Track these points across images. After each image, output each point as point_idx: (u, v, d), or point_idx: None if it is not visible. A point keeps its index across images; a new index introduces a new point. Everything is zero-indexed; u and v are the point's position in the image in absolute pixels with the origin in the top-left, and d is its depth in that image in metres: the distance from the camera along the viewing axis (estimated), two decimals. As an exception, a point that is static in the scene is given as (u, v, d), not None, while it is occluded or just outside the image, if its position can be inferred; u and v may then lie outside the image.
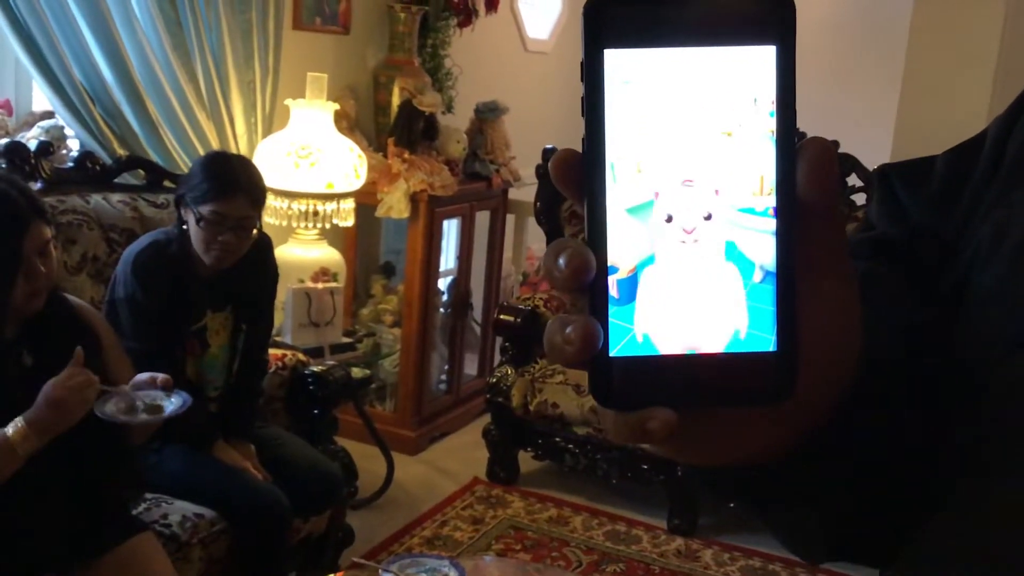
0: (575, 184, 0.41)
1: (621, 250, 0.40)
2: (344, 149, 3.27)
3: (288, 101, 3.28)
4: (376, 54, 4.00)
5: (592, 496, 3.54)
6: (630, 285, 0.40)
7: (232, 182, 2.27)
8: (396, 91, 3.83)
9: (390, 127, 3.80)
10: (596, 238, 0.40)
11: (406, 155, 3.66)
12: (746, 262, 0.40)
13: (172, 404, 1.87)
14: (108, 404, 1.81)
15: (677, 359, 0.41)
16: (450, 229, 4.05)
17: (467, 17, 4.15)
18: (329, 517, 2.59)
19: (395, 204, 3.62)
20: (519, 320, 3.58)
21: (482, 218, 4.21)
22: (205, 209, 2.24)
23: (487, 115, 4.06)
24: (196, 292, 2.33)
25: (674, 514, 3.35)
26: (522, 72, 5.15)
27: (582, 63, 0.40)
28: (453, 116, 4.13)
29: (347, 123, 3.64)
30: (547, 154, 3.95)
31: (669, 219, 0.40)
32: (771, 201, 0.40)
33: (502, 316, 3.63)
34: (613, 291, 0.40)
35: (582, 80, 0.40)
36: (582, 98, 0.40)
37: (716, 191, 0.40)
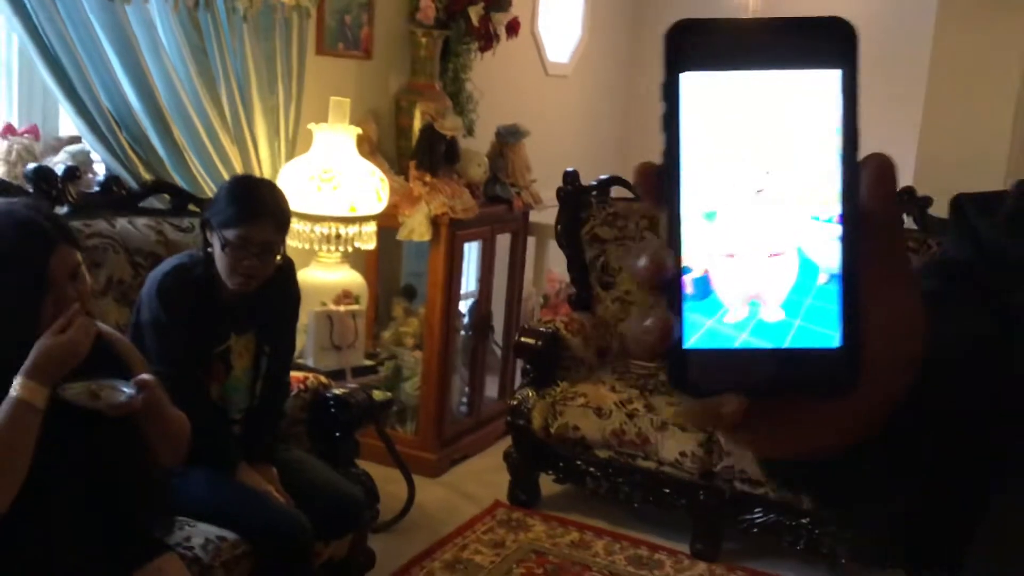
0: (655, 192, 0.46)
1: (696, 251, 0.45)
2: (366, 172, 3.29)
3: (311, 125, 3.31)
4: (398, 78, 4.03)
5: (614, 520, 3.52)
6: (704, 283, 0.45)
7: (257, 206, 2.29)
8: (417, 115, 3.85)
9: (412, 151, 3.82)
10: (673, 240, 0.45)
11: (427, 178, 3.68)
12: (812, 265, 0.44)
13: (124, 393, 1.83)
14: (69, 388, 1.79)
15: (747, 351, 0.45)
16: (471, 252, 4.06)
17: (488, 41, 4.17)
18: (351, 541, 2.59)
19: (416, 227, 3.63)
20: (540, 343, 3.57)
21: (503, 241, 4.22)
22: (230, 233, 2.26)
23: (508, 138, 4.07)
24: (220, 315, 2.34)
25: (697, 539, 3.33)
26: (542, 95, 5.18)
27: (662, 83, 0.45)
28: (474, 139, 4.15)
29: (369, 147, 3.66)
30: (568, 177, 3.96)
31: (740, 224, 0.45)
32: (836, 210, 0.44)
33: (523, 339, 3.63)
34: (688, 288, 0.45)
35: (662, 100, 0.45)
36: (663, 115, 0.45)
37: (785, 200, 0.44)
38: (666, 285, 0.45)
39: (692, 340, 0.45)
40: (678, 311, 0.45)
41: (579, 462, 3.51)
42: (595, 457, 3.47)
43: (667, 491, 3.36)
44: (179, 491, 2.25)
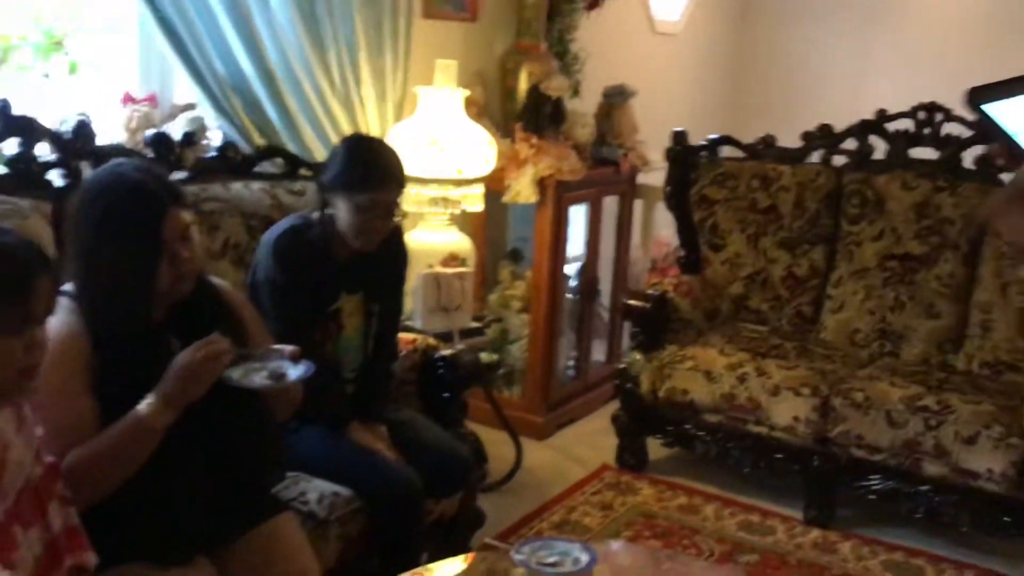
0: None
1: None
2: (473, 135, 3.28)
3: (418, 88, 3.32)
4: (504, 40, 4.00)
5: (723, 485, 3.47)
6: None
7: (382, 170, 2.33)
8: (523, 76, 3.83)
9: (518, 113, 3.80)
10: None
11: (533, 140, 3.66)
12: None
13: (296, 371, 1.86)
14: (234, 371, 1.81)
15: None
16: (577, 215, 4.03)
17: (594, 0, 4.11)
18: (460, 500, 2.61)
19: (523, 189, 3.62)
20: (649, 305, 3.53)
21: (610, 203, 4.18)
22: (359, 197, 2.30)
23: (615, 99, 4.02)
24: (331, 275, 2.38)
25: (810, 505, 3.25)
26: (650, 55, 5.08)
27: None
28: (580, 100, 4.10)
29: (475, 109, 3.65)
30: (677, 137, 3.89)
31: None
32: None
33: (631, 301, 3.59)
34: None
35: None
36: (983, 122, 0.77)
37: None
38: None
39: None
40: None
41: (688, 426, 3.46)
42: (704, 421, 3.42)
43: (779, 456, 3.29)
44: (294, 448, 2.30)
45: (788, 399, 3.24)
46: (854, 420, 3.13)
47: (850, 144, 3.75)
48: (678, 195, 3.88)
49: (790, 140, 3.86)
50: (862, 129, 3.73)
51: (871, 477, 3.15)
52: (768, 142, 3.90)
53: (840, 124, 3.77)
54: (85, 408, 1.76)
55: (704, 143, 3.92)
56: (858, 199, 3.68)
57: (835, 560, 3.03)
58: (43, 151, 2.39)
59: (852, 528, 3.21)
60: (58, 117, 2.54)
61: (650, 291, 3.60)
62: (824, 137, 3.80)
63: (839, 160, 3.80)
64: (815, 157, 3.83)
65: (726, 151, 3.96)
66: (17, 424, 1.53)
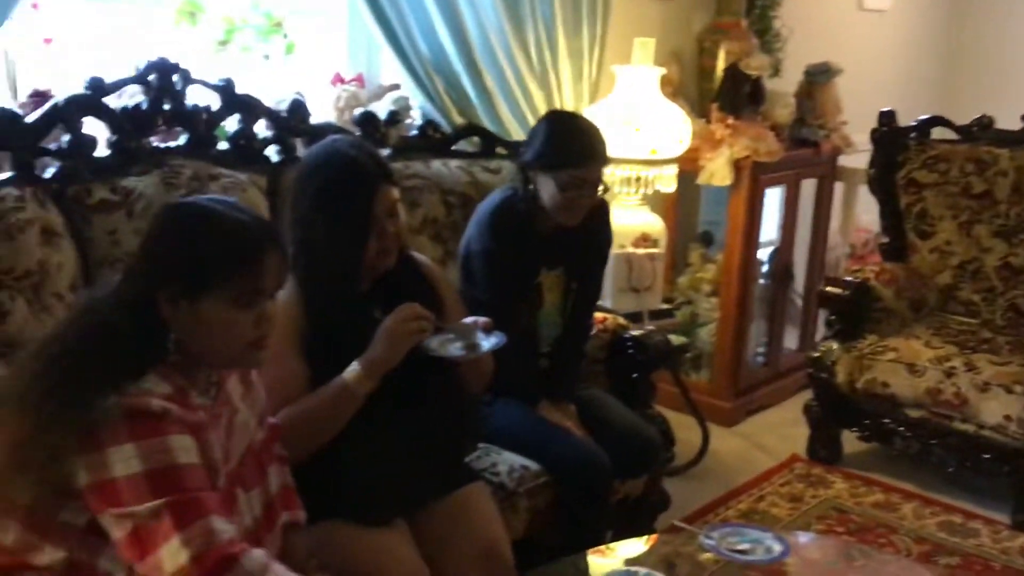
0: None
1: None
2: (669, 114, 3.24)
3: (614, 67, 3.30)
4: (702, 18, 3.93)
5: (923, 484, 3.30)
6: None
7: (585, 147, 2.33)
8: (721, 55, 3.75)
9: (714, 92, 3.72)
10: None
11: (730, 121, 3.57)
12: None
13: (488, 342, 1.90)
14: (432, 340, 1.87)
15: None
16: (773, 197, 3.91)
17: (799, -24, 3.97)
18: (646, 481, 2.60)
19: (717, 171, 3.55)
20: (848, 293, 3.38)
21: (808, 186, 4.03)
22: (562, 175, 2.31)
23: (818, 78, 3.87)
24: (534, 248, 2.41)
25: (1019, 509, 3.05)
26: (856, 32, 4.87)
27: None
28: (781, 79, 3.98)
29: (671, 89, 3.61)
30: (884, 117, 3.71)
31: None
32: None
33: (829, 288, 3.46)
34: None
35: None
36: None
37: None
38: None
39: None
40: None
41: (887, 420, 3.31)
42: (905, 416, 3.26)
43: (987, 456, 3.10)
44: (487, 420, 2.35)
45: (999, 396, 3.04)
46: (1075, 423, 2.91)
47: (1076, 126, 3.47)
48: (884, 179, 3.70)
49: (1008, 122, 3.61)
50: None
51: (1092, 485, 2.92)
52: (984, 124, 3.66)
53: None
54: (296, 370, 1.86)
55: (913, 124, 3.72)
56: (1085, 185, 3.40)
57: (1047, 571, 2.83)
58: (260, 128, 2.54)
59: (1067, 538, 2.99)
60: (275, 96, 2.67)
61: (850, 278, 3.46)
62: (1047, 119, 3.53)
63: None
64: (1035, 140, 3.57)
65: (936, 133, 3.75)
66: (244, 390, 1.62)
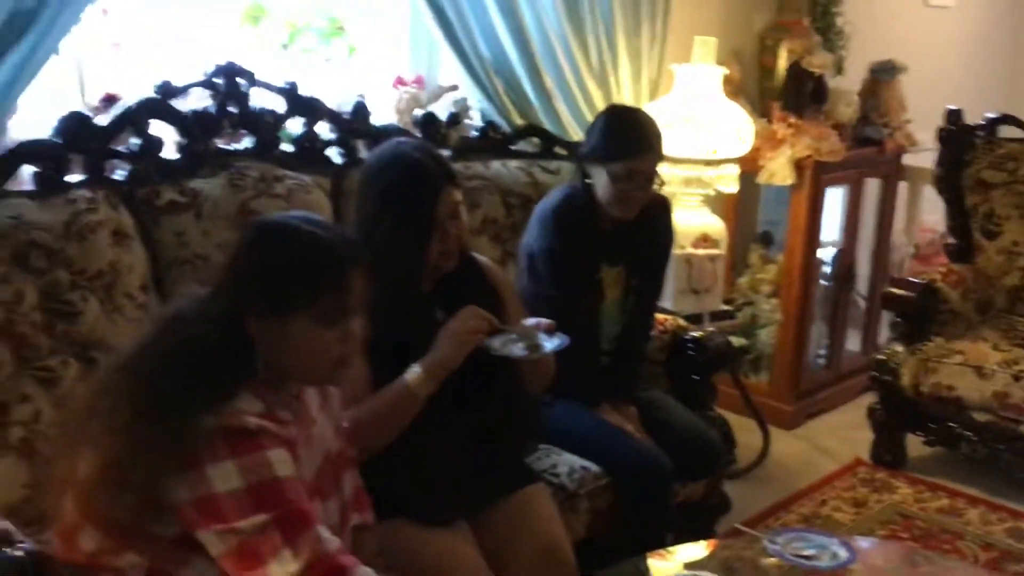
0: None
1: None
2: (730, 114, 3.21)
3: (673, 65, 3.28)
4: (763, 16, 3.88)
5: (990, 489, 3.23)
6: None
7: (639, 139, 2.33)
8: (783, 54, 3.71)
9: (775, 91, 3.68)
10: None
11: (792, 120, 3.53)
12: None
13: (551, 343, 1.89)
14: (494, 340, 1.87)
15: None
16: (835, 197, 3.85)
17: (862, -28, 3.90)
18: (706, 484, 2.58)
19: (778, 171, 3.50)
20: (914, 295, 3.32)
21: (871, 186, 3.97)
22: (618, 166, 2.31)
23: (882, 75, 3.80)
24: (595, 244, 2.40)
25: (1092, 519, 2.98)
26: (921, 29, 4.77)
27: None
28: (844, 77, 3.91)
29: (731, 88, 3.57)
30: (951, 115, 3.63)
31: None
32: None
33: (894, 290, 3.40)
34: None
35: None
36: None
37: None
38: None
39: None
40: None
41: (953, 424, 3.24)
42: (972, 420, 3.20)
43: (1057, 463, 3.03)
44: (546, 421, 2.35)
45: (1071, 402, 2.97)
46: None
47: None
48: (950, 178, 3.63)
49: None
50: None
51: None
52: (1054, 122, 3.57)
53: None
54: (359, 371, 1.87)
55: (982, 123, 3.64)
56: None
57: (1122, 581, 2.75)
58: (323, 130, 2.56)
59: None
60: (337, 98, 2.70)
61: (915, 279, 3.40)
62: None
63: None
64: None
65: (1004, 131, 3.66)
66: (321, 401, 1.63)
